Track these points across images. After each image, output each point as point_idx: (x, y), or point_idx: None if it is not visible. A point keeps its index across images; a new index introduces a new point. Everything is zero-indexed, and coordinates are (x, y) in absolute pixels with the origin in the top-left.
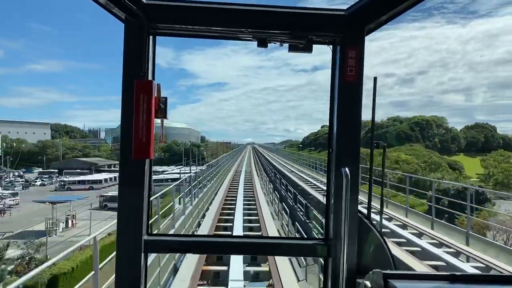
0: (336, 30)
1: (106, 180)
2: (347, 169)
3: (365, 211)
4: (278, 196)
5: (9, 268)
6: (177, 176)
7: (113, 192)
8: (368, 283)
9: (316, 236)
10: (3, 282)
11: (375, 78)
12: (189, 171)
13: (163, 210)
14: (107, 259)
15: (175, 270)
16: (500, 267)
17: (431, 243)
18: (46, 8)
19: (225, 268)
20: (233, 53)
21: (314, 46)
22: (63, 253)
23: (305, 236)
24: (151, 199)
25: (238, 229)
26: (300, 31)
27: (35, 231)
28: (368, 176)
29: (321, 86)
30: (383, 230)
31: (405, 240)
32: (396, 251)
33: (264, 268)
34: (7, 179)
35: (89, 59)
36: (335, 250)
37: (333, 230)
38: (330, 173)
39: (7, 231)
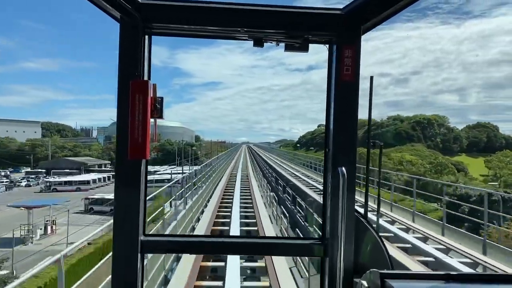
0: (332, 29)
1: (94, 180)
2: (343, 168)
3: (362, 210)
4: (285, 211)
5: None
6: (168, 176)
7: (101, 194)
8: (365, 283)
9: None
10: None
11: (371, 78)
12: (181, 172)
13: (153, 215)
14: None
15: (177, 259)
16: None
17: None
18: (39, 6)
19: (222, 264)
20: (228, 52)
21: (309, 46)
22: (29, 273)
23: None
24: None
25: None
26: (296, 30)
27: (7, 238)
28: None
29: (316, 86)
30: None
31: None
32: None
33: (260, 264)
34: None
35: (84, 58)
36: (332, 250)
37: (330, 229)
38: (326, 172)
39: None
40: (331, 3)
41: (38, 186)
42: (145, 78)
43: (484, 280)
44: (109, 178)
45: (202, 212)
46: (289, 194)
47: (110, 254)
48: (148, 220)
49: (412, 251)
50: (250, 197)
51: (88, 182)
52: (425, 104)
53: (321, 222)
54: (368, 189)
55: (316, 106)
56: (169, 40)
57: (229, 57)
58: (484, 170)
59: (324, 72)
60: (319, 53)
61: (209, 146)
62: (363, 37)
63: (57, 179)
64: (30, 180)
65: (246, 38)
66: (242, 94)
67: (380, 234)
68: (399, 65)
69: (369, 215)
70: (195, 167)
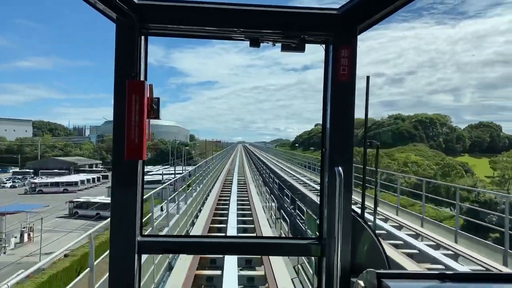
0: (328, 29)
1: (83, 181)
2: (340, 168)
3: (359, 210)
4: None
5: None
6: (159, 178)
7: (86, 197)
8: (362, 283)
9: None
10: None
11: (367, 77)
12: (173, 172)
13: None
14: None
15: (170, 268)
16: None
17: None
18: (34, 5)
19: (218, 272)
20: (223, 52)
21: (306, 46)
22: None
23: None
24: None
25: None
26: (292, 30)
27: None
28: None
29: (311, 86)
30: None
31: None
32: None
33: (259, 272)
34: None
35: (79, 56)
36: (329, 250)
37: (327, 229)
38: (323, 172)
39: None
40: (327, 3)
41: (24, 187)
42: (142, 78)
43: (479, 279)
44: (98, 179)
45: (193, 224)
46: (300, 209)
47: (87, 270)
48: None
49: (417, 256)
50: (249, 206)
51: (76, 184)
52: (420, 104)
53: None
54: (365, 188)
55: (312, 106)
56: (165, 39)
57: (225, 57)
58: (489, 171)
59: (320, 72)
60: (315, 53)
61: (204, 145)
62: (358, 37)
63: (44, 179)
64: (16, 181)
65: (243, 38)
66: (238, 94)
67: (389, 242)
68: (394, 65)
69: (367, 215)
70: (189, 168)
